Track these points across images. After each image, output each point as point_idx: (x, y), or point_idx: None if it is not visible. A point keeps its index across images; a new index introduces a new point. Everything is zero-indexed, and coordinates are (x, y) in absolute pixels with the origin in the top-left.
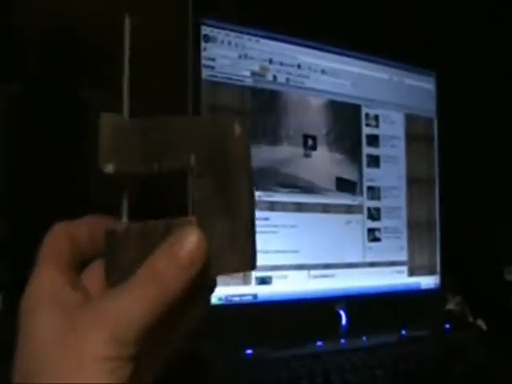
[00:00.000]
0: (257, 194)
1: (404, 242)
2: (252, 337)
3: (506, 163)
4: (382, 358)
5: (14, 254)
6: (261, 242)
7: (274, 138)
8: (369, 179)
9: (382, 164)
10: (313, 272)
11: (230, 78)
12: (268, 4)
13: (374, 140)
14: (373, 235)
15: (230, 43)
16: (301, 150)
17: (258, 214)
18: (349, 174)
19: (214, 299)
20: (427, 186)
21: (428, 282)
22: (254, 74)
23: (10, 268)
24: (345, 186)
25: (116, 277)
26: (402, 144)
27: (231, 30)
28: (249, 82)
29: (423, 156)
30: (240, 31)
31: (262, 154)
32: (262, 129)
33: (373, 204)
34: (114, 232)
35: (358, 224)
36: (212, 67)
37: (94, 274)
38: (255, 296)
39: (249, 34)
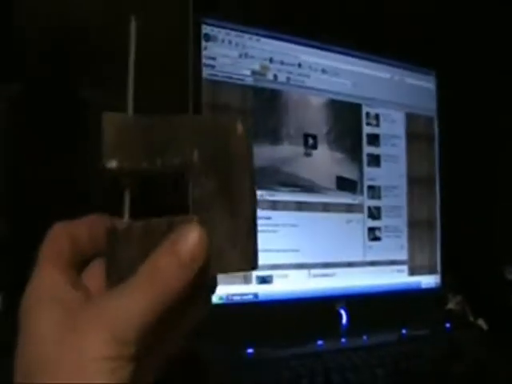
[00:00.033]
0: (258, 193)
1: (404, 241)
2: (252, 336)
3: (506, 163)
4: (383, 357)
5: (14, 253)
6: (261, 241)
7: (274, 137)
8: (369, 178)
9: (382, 163)
10: (313, 271)
11: (231, 77)
12: (269, 3)
13: (374, 139)
14: (373, 234)
15: (230, 42)
16: (301, 149)
17: (259, 213)
18: (349, 173)
19: (215, 298)
20: (428, 185)
21: (428, 281)
22: (254, 73)
23: (10, 268)
24: (345, 185)
25: (117, 275)
26: (402, 143)
27: (232, 29)
28: (249, 81)
29: (424, 155)
30: (240, 30)
31: (262, 153)
32: (263, 128)
33: (373, 203)
34: (115, 230)
35: (359, 223)
36: (212, 66)
37: (95, 273)
38: (256, 295)
39: (249, 33)
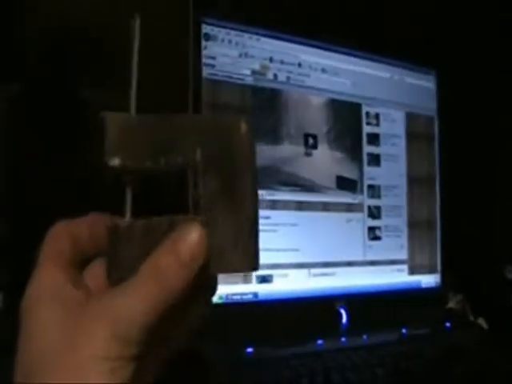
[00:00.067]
0: (258, 192)
1: (404, 241)
2: (252, 335)
3: (506, 163)
4: (383, 357)
5: (14, 254)
6: (261, 240)
7: (274, 137)
8: (369, 178)
9: (382, 162)
10: (313, 270)
11: (231, 77)
12: (268, 3)
13: (374, 138)
14: (373, 234)
15: (230, 42)
16: (302, 149)
17: (260, 212)
18: (349, 173)
19: (215, 298)
20: (428, 184)
21: (428, 280)
22: (254, 72)
23: (10, 268)
24: (345, 184)
25: (118, 274)
26: (402, 142)
27: (232, 29)
28: (249, 80)
29: (424, 154)
30: (240, 30)
31: (263, 153)
32: (263, 127)
33: (373, 202)
34: (117, 229)
35: (359, 222)
36: (212, 66)
37: (96, 273)
38: (256, 294)
39: (249, 32)
